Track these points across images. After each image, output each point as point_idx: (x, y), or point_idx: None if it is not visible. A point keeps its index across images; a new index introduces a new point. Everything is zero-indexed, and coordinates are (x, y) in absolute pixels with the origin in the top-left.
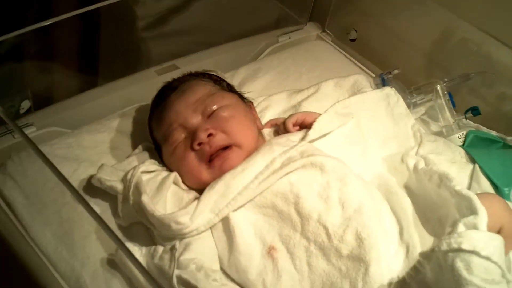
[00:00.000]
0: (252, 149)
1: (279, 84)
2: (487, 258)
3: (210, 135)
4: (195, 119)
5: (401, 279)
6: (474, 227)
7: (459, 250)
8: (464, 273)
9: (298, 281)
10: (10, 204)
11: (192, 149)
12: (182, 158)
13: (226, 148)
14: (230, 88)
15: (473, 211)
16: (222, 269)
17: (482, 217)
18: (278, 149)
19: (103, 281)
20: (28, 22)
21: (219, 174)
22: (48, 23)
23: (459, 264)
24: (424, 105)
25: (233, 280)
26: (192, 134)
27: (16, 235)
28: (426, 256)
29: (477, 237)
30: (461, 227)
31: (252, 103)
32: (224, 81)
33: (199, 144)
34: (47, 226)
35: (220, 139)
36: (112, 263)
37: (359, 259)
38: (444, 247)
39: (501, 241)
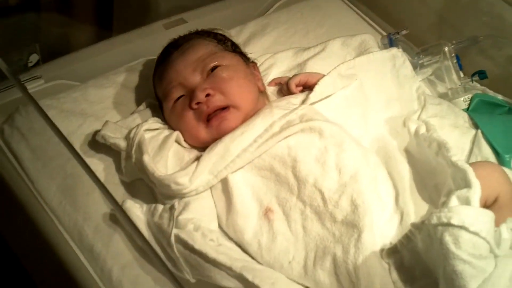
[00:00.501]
0: (251, 110)
1: (286, 40)
2: (475, 233)
3: (208, 95)
4: (194, 78)
5: (393, 246)
6: (467, 200)
7: (448, 224)
8: (452, 247)
9: (292, 243)
10: (17, 157)
11: (191, 108)
12: (181, 116)
13: (224, 108)
14: (234, 48)
15: (467, 184)
16: (220, 227)
17: (476, 191)
18: (278, 112)
19: (105, 235)
20: None
21: (217, 133)
22: None
23: (448, 238)
24: (431, 66)
25: (230, 239)
26: (191, 93)
27: (23, 188)
28: (417, 226)
29: (466, 213)
30: (453, 200)
31: (255, 64)
32: (229, 40)
33: (197, 103)
34: (52, 180)
35: (217, 100)
36: (114, 218)
37: (352, 225)
38: (434, 220)
39: (491, 216)
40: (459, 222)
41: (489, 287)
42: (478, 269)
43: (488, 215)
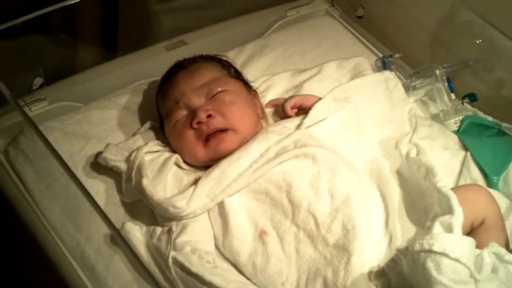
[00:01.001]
0: (248, 135)
1: (284, 61)
2: (456, 259)
3: (209, 116)
4: (198, 100)
5: (380, 269)
6: (449, 226)
7: (430, 251)
8: (434, 272)
9: (286, 265)
10: (21, 178)
11: (191, 127)
12: (181, 134)
13: (222, 130)
14: (237, 75)
15: (450, 210)
16: (217, 248)
17: (458, 217)
18: (273, 137)
19: (106, 256)
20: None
21: (214, 153)
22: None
23: (430, 264)
24: (424, 88)
25: (227, 259)
26: (192, 113)
27: (27, 208)
28: (402, 251)
29: (447, 240)
30: (437, 226)
31: (256, 92)
32: (233, 67)
33: (198, 123)
34: (56, 201)
35: (218, 122)
36: (114, 240)
37: (343, 249)
38: (417, 247)
39: (471, 243)
40: (441, 249)
41: None
42: None
43: (468, 241)
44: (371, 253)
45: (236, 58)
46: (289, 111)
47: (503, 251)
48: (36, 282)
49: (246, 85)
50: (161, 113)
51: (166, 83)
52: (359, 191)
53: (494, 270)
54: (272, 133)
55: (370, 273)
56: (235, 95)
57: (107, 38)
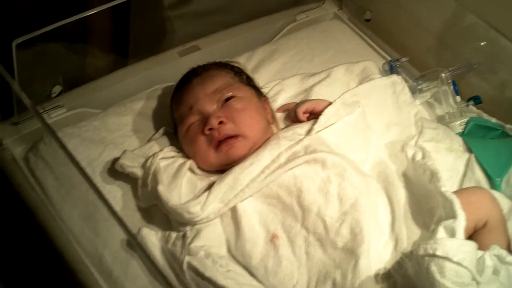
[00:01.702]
0: (258, 140)
1: (293, 67)
2: (458, 263)
3: (221, 122)
4: (211, 107)
5: (387, 271)
6: (452, 230)
7: (434, 255)
8: (438, 276)
9: (296, 268)
10: (41, 185)
11: (203, 133)
12: (193, 140)
13: (233, 137)
14: (249, 82)
15: (454, 214)
16: (229, 251)
17: (461, 222)
18: (284, 143)
19: (123, 261)
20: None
21: (225, 159)
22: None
23: (433, 268)
24: (430, 91)
25: (239, 263)
26: (205, 119)
27: (47, 214)
28: (407, 255)
29: (450, 244)
30: (440, 231)
31: (267, 98)
32: (245, 73)
33: (210, 129)
34: (75, 207)
35: (228, 128)
36: (131, 245)
37: (351, 252)
38: (421, 251)
39: (473, 246)
40: (444, 253)
41: None
42: None
43: (470, 245)
44: (377, 256)
45: (248, 62)
46: (301, 116)
47: (504, 253)
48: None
49: (257, 91)
50: (175, 118)
51: (181, 89)
52: (367, 195)
53: (495, 272)
54: (283, 139)
55: (377, 275)
56: (246, 102)
57: (120, 45)
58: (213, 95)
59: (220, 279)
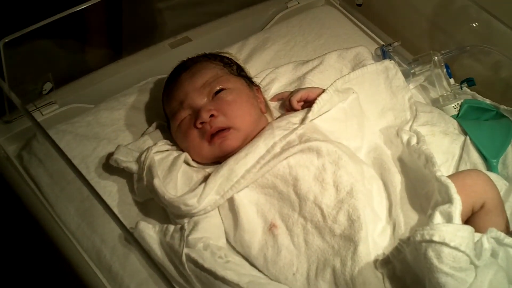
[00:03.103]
0: (251, 131)
1: (286, 54)
2: (455, 248)
3: (212, 115)
4: (201, 100)
5: (385, 257)
6: (449, 215)
7: (431, 241)
8: (435, 261)
9: (295, 256)
10: (36, 182)
11: (195, 127)
12: (186, 134)
13: (225, 129)
14: (239, 72)
15: (449, 199)
16: (228, 242)
17: (457, 207)
18: (278, 133)
19: (122, 255)
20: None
21: (219, 151)
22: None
23: (431, 254)
24: (423, 74)
25: (238, 253)
26: (196, 114)
27: (42, 212)
28: (405, 241)
29: (446, 230)
30: (437, 216)
31: (259, 87)
32: (235, 64)
33: (201, 123)
34: (70, 203)
35: (220, 121)
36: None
37: (349, 239)
38: (418, 237)
39: (470, 231)
40: (440, 239)
41: None
42: (459, 280)
43: (467, 230)
44: (375, 242)
45: (239, 52)
46: (295, 105)
47: (501, 235)
48: (55, 285)
49: (248, 81)
50: (167, 113)
51: (170, 84)
52: (362, 182)
53: (494, 254)
54: (278, 128)
55: (376, 261)
56: (237, 93)
57: (113, 39)
58: (202, 89)
59: (219, 270)
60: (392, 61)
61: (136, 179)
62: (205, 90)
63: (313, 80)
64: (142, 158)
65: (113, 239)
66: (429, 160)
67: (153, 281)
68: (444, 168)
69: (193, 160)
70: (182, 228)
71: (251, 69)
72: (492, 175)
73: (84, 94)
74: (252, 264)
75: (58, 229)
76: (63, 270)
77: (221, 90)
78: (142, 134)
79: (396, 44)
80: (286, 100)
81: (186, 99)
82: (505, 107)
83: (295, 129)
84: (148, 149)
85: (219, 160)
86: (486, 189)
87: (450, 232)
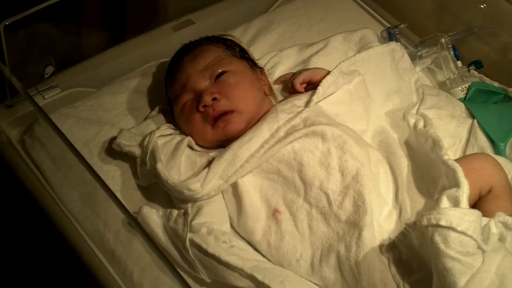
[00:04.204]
0: (255, 114)
1: (291, 36)
2: (462, 232)
3: (214, 99)
4: (203, 83)
5: (391, 241)
6: (456, 199)
7: (438, 225)
8: (442, 246)
9: (299, 242)
10: (38, 167)
11: (198, 110)
12: (189, 118)
13: (228, 112)
14: (242, 54)
15: (457, 183)
16: (232, 227)
17: (464, 190)
18: (282, 117)
19: (125, 240)
20: None
21: (222, 135)
22: None
23: (437, 238)
24: (430, 57)
25: (242, 237)
26: (198, 97)
27: (46, 197)
28: (411, 225)
29: (453, 214)
30: (443, 200)
31: (262, 69)
32: (238, 46)
33: (204, 106)
34: (73, 187)
35: (222, 105)
36: (132, 224)
37: (354, 224)
38: (425, 222)
39: (477, 215)
40: (447, 223)
41: (476, 281)
42: (466, 265)
43: (474, 214)
44: (381, 226)
45: (243, 35)
46: (298, 87)
47: (510, 219)
48: (58, 269)
49: (252, 63)
50: (169, 97)
51: (173, 67)
52: (368, 167)
53: (501, 239)
54: (282, 112)
55: (381, 246)
56: (239, 76)
57: (115, 22)
58: (204, 71)
59: (223, 255)
60: (399, 43)
61: (139, 163)
62: (207, 73)
63: (318, 63)
64: (145, 142)
65: (116, 223)
66: (436, 144)
67: (156, 266)
68: (451, 151)
69: (196, 144)
70: (185, 213)
71: (255, 52)
72: (500, 159)
73: (86, 77)
74: (256, 249)
75: (61, 214)
76: (66, 254)
77: (223, 72)
78: (145, 118)
79: (402, 26)
80: (288, 83)
81: (188, 82)
82: None
83: (300, 112)
84: (151, 133)
85: (223, 144)
86: (493, 173)
87: (457, 217)
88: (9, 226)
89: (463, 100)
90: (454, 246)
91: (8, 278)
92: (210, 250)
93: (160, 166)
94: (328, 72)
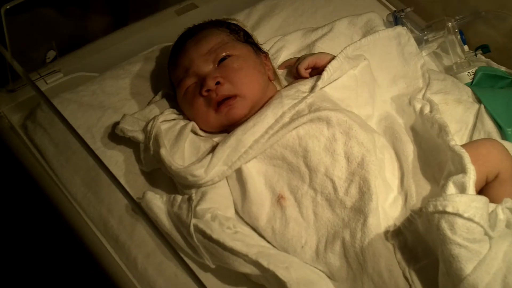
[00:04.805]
0: (258, 99)
1: (295, 21)
2: (469, 219)
3: (218, 83)
4: (206, 67)
5: (397, 228)
6: (463, 185)
7: (444, 212)
8: (448, 232)
9: (304, 228)
10: (41, 152)
11: (201, 94)
12: (192, 102)
13: (231, 97)
14: (246, 38)
15: (463, 169)
16: (237, 212)
17: (470, 177)
18: (287, 102)
19: (129, 225)
20: None
21: (225, 119)
22: None
23: (444, 225)
24: (436, 41)
25: (247, 223)
26: (201, 81)
27: (48, 182)
28: (417, 212)
29: (460, 200)
30: (450, 186)
31: (267, 54)
32: (242, 30)
33: (207, 90)
34: (76, 173)
35: (226, 89)
36: (136, 209)
37: (359, 211)
38: (431, 208)
39: (484, 202)
40: (454, 210)
41: (483, 268)
42: (473, 252)
43: (481, 200)
44: (386, 213)
45: (247, 19)
46: (303, 72)
47: None
48: (61, 255)
49: (256, 47)
50: (172, 81)
51: (176, 52)
52: (374, 152)
53: (508, 225)
54: (286, 97)
55: (387, 232)
56: (243, 60)
57: (118, 5)
58: (208, 55)
59: (227, 241)
60: (405, 28)
61: (142, 148)
62: (211, 57)
63: (323, 48)
64: (149, 128)
65: (120, 209)
66: (442, 129)
67: (160, 252)
68: (457, 137)
69: (200, 129)
70: (189, 199)
71: (259, 36)
72: (507, 144)
73: (88, 62)
74: (260, 235)
75: (64, 199)
76: (69, 240)
77: (227, 56)
78: (148, 103)
79: (408, 10)
80: (293, 68)
81: (191, 66)
82: None
83: (305, 98)
84: (154, 118)
85: (227, 129)
86: (500, 158)
87: (463, 203)
88: (11, 212)
89: (470, 85)
90: (461, 233)
91: (11, 263)
92: (215, 236)
93: (163, 152)
94: (333, 57)
